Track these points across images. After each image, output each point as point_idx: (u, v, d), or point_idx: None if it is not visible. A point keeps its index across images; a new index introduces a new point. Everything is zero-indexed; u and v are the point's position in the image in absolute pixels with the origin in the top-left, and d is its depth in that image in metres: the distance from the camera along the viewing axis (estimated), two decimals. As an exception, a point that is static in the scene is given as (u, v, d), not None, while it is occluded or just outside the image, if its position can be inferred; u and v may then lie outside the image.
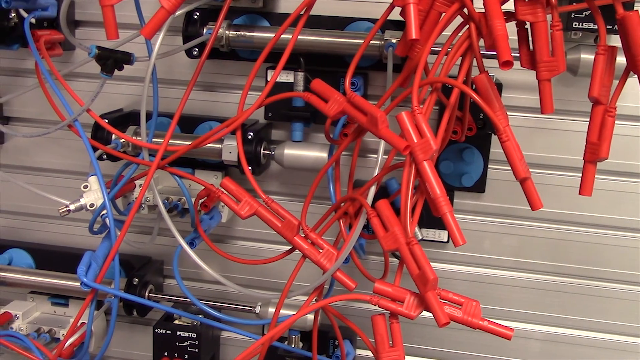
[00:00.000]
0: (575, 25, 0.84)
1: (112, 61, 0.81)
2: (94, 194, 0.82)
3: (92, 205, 0.82)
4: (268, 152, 0.94)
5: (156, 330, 0.99)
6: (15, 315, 1.02)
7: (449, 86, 0.67)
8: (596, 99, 0.65)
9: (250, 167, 0.88)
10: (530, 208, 0.66)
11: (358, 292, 0.70)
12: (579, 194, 0.67)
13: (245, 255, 1.02)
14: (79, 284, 0.79)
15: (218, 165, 0.98)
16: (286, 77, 0.92)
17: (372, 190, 0.74)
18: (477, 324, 0.65)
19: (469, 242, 0.62)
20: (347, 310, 1.04)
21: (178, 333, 0.98)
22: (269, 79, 0.90)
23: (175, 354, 0.99)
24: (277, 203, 0.78)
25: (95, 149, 0.85)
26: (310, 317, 0.95)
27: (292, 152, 0.92)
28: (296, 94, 0.85)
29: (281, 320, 0.73)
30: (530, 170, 0.66)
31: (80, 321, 0.88)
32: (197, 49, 0.93)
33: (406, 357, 0.68)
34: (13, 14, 0.90)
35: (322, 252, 0.76)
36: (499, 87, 0.90)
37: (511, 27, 0.64)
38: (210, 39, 0.83)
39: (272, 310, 0.96)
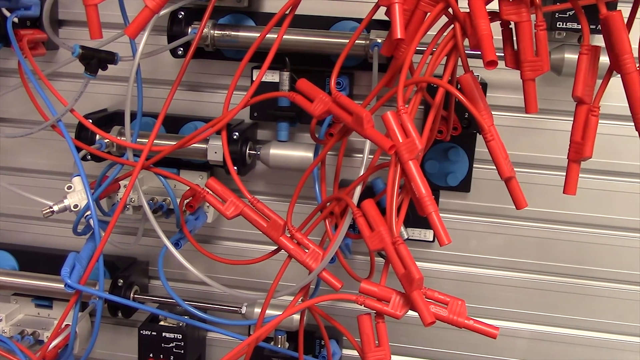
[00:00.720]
0: (559, 25, 0.85)
1: (96, 61, 0.80)
2: (77, 195, 0.81)
3: (76, 206, 0.81)
4: (254, 152, 0.94)
5: (141, 332, 0.98)
6: (-1, 318, 1.01)
7: (434, 86, 0.67)
8: (580, 99, 0.66)
9: (235, 167, 0.88)
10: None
11: (344, 292, 0.70)
12: (564, 192, 0.67)
13: (231, 256, 1.02)
14: (63, 286, 0.79)
15: (203, 166, 0.97)
16: (272, 76, 0.92)
17: (358, 190, 0.74)
18: (462, 323, 0.65)
19: (455, 241, 0.62)
20: (333, 310, 1.04)
21: (163, 334, 0.98)
22: (254, 79, 0.90)
23: (161, 355, 0.98)
24: (263, 203, 0.78)
25: (79, 149, 0.84)
26: (297, 317, 0.94)
27: (278, 152, 0.92)
28: (282, 93, 0.85)
29: (267, 321, 0.73)
30: (515, 169, 0.66)
31: (65, 323, 0.87)
32: (182, 49, 0.92)
33: (392, 356, 0.68)
34: (-5, 14, 0.89)
35: (308, 252, 0.76)
36: (484, 86, 0.90)
37: (496, 27, 0.64)
38: (195, 39, 0.82)
39: (257, 310, 0.96)
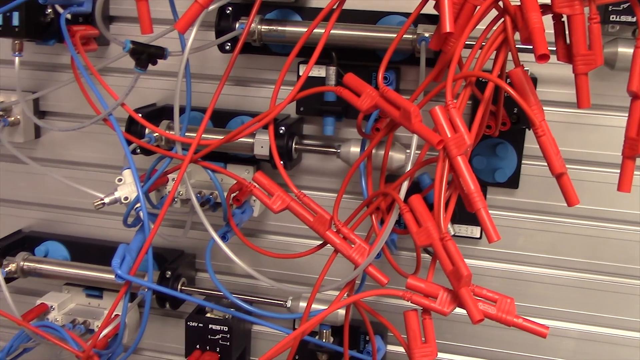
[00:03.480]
0: (613, 18, 0.83)
1: (146, 56, 0.82)
2: (128, 187, 0.83)
3: (126, 198, 0.83)
4: (300, 146, 0.94)
5: (188, 323, 1.00)
6: (51, 307, 1.04)
7: (483, 80, 0.66)
8: (635, 93, 0.64)
9: (282, 162, 0.88)
10: (565, 204, 0.66)
11: (390, 288, 0.70)
12: (618, 190, 0.65)
13: (277, 250, 1.03)
14: (113, 276, 0.80)
15: (250, 160, 0.98)
16: (318, 71, 0.92)
17: (405, 185, 0.73)
18: (511, 321, 0.64)
19: (502, 238, 0.61)
20: (378, 306, 1.04)
21: (210, 326, 0.99)
22: (301, 74, 0.90)
23: (207, 347, 0.99)
24: (309, 197, 0.78)
25: (129, 142, 0.86)
26: (342, 312, 0.94)
27: (358, 151, 0.92)
28: (329, 88, 0.85)
29: (313, 315, 0.73)
30: (566, 166, 0.65)
31: (114, 313, 0.89)
32: (229, 44, 0.93)
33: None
34: (49, 10, 0.91)
35: (354, 246, 0.75)
36: (534, 81, 0.89)
37: (547, 21, 0.63)
38: (243, 34, 0.83)
39: (303, 304, 0.96)
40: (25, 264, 1.05)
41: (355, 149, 0.92)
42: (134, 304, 1.01)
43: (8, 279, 1.05)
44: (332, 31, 0.77)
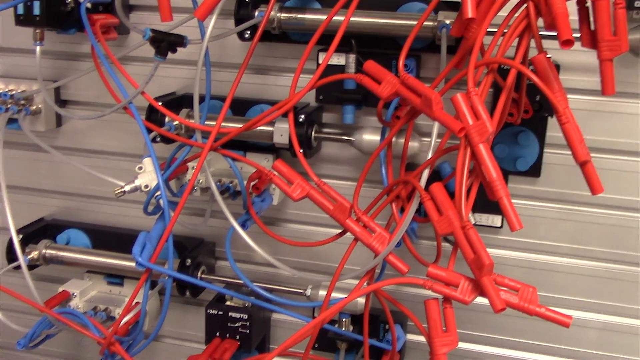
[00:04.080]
0: (638, 4, 0.81)
1: (165, 44, 0.82)
2: (148, 176, 0.83)
3: (146, 186, 0.83)
4: (319, 134, 0.94)
5: (208, 311, 1.00)
6: (73, 294, 1.05)
7: (505, 67, 0.65)
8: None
9: (301, 150, 0.88)
10: (588, 193, 0.65)
11: (411, 276, 0.70)
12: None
13: (296, 238, 1.02)
14: (134, 264, 0.81)
15: (269, 148, 0.98)
16: (337, 59, 0.91)
17: (426, 174, 0.73)
18: (534, 310, 0.64)
19: (524, 227, 0.61)
20: (397, 295, 1.03)
21: (230, 314, 0.99)
22: (320, 62, 0.90)
23: (227, 335, 1.00)
24: (329, 186, 0.78)
25: (149, 131, 0.86)
26: (361, 300, 0.94)
27: (373, 138, 0.91)
28: (348, 75, 0.84)
29: (332, 303, 0.73)
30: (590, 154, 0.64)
31: (135, 300, 0.90)
32: (248, 32, 0.93)
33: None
34: (70, 0, 0.92)
35: (374, 235, 0.75)
36: (557, 68, 0.88)
37: (571, 7, 0.62)
38: (262, 22, 0.83)
39: (322, 293, 0.96)
40: (48, 251, 1.07)
41: (368, 137, 0.92)
42: (154, 292, 1.01)
43: (30, 267, 1.06)
44: (351, 18, 0.76)
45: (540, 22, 0.63)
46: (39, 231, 1.11)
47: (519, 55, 0.66)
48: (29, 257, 1.05)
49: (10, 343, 1.18)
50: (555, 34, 0.60)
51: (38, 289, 0.91)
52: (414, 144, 0.89)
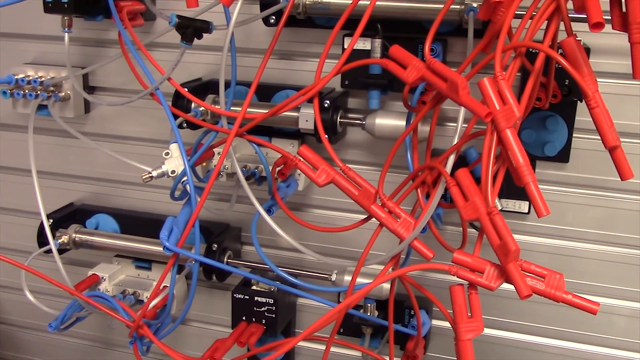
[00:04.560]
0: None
1: (191, 30, 0.82)
2: (175, 161, 0.84)
3: (173, 171, 0.84)
4: (345, 120, 0.93)
5: (235, 295, 1.01)
6: (102, 278, 1.07)
7: (534, 51, 0.64)
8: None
9: (326, 135, 0.88)
10: (618, 178, 0.64)
11: (436, 262, 0.69)
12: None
13: (321, 224, 1.03)
14: (162, 249, 0.81)
15: (294, 134, 0.98)
16: (363, 44, 0.90)
17: (451, 159, 0.72)
18: (560, 297, 0.63)
19: (552, 213, 0.60)
20: (422, 281, 1.03)
21: (256, 298, 1.00)
22: (345, 47, 0.89)
23: (253, 319, 1.01)
24: (354, 171, 0.77)
25: (176, 117, 0.87)
26: (387, 286, 0.95)
27: (383, 122, 0.91)
28: (374, 60, 0.84)
29: (357, 288, 0.73)
30: (620, 139, 0.63)
31: (163, 284, 0.91)
32: (274, 17, 0.93)
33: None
34: (97, -14, 0.93)
35: (400, 221, 0.75)
36: (587, 51, 0.86)
37: (602, -12, 0.61)
38: (287, 7, 0.82)
39: (347, 278, 0.96)
40: (77, 236, 1.08)
41: (380, 121, 0.91)
42: (181, 276, 1.03)
43: (61, 251, 1.08)
44: (377, 2, 0.76)
45: (570, 4, 0.62)
46: (68, 216, 1.13)
47: (548, 38, 0.65)
48: (59, 241, 1.07)
49: (41, 325, 1.21)
50: (585, 16, 0.59)
51: (68, 273, 0.92)
52: (424, 128, 0.88)
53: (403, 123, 0.90)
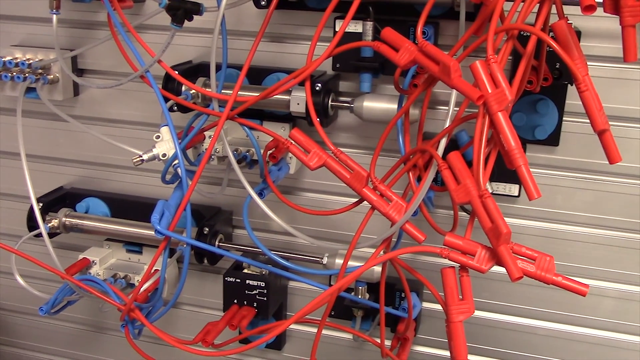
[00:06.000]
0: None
1: (182, 12, 0.81)
2: (166, 144, 0.83)
3: (164, 155, 0.83)
4: (336, 103, 0.93)
5: (226, 279, 1.01)
6: (93, 261, 1.07)
7: (525, 34, 0.64)
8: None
9: (318, 119, 0.88)
10: (607, 162, 0.64)
11: (427, 245, 0.70)
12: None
13: (313, 207, 1.03)
14: (153, 232, 0.81)
15: (286, 117, 0.98)
16: (355, 27, 0.90)
17: (443, 142, 0.73)
18: (550, 279, 0.64)
19: (542, 196, 0.61)
20: (413, 264, 1.04)
21: (247, 281, 1.00)
22: (337, 29, 0.89)
23: (245, 302, 1.01)
24: (346, 154, 0.77)
25: (166, 99, 0.86)
26: (378, 269, 0.95)
27: (371, 105, 0.91)
28: (366, 43, 0.83)
29: (349, 272, 0.73)
30: (609, 122, 0.63)
31: (154, 268, 0.91)
32: (265, -1, 0.92)
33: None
34: (86, -33, 0.92)
35: (391, 204, 0.75)
36: (578, 35, 0.86)
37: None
38: (279, -11, 0.82)
39: (339, 261, 0.97)
40: (67, 219, 1.08)
41: (368, 104, 0.91)
42: (173, 259, 1.03)
43: (51, 234, 1.08)
44: (369, -15, 0.75)
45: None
46: (58, 199, 1.12)
47: (540, 21, 0.65)
48: (49, 225, 1.06)
49: (32, 309, 1.21)
50: (576, -1, 0.59)
51: (58, 257, 0.92)
52: (414, 112, 0.88)
53: (391, 106, 0.90)
